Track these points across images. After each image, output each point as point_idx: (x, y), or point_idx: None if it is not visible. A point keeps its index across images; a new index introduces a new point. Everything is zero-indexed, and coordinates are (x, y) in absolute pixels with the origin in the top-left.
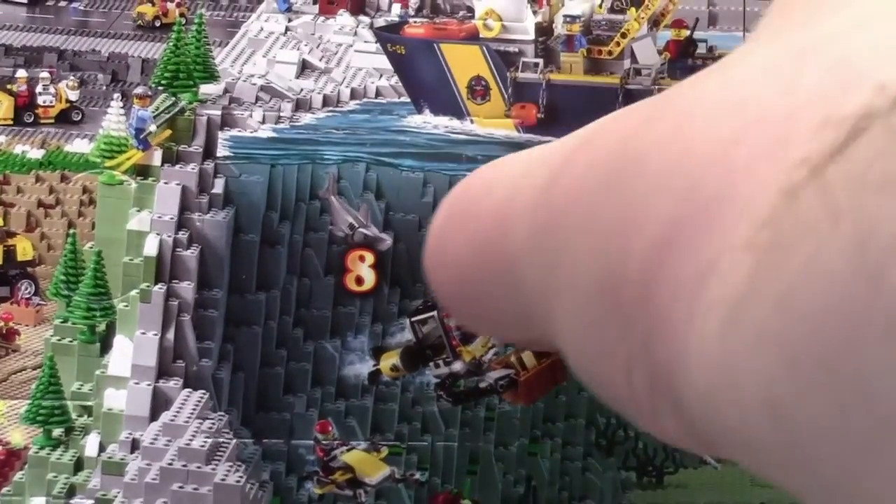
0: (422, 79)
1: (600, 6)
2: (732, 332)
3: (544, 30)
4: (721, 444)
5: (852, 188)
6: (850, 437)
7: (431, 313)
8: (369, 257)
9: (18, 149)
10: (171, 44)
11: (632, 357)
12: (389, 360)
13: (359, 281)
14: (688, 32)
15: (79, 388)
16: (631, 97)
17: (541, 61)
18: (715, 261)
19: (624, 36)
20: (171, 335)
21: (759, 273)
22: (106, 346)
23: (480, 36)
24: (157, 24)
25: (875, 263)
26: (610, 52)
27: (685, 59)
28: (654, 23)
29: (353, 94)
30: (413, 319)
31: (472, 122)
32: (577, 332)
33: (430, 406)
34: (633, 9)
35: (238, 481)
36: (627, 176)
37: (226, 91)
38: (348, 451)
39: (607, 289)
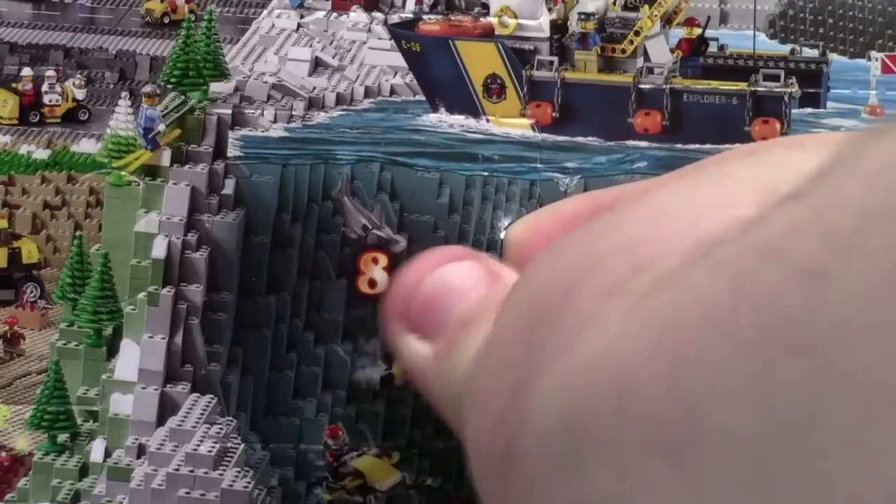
0: (437, 76)
1: (614, 4)
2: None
3: (559, 27)
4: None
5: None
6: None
7: None
8: (383, 259)
9: (24, 149)
10: (180, 41)
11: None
12: None
13: (371, 283)
14: (700, 30)
15: (84, 393)
16: (643, 96)
17: (555, 59)
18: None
19: (637, 34)
20: (179, 339)
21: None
22: (112, 351)
23: (496, 33)
24: (166, 20)
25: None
26: (623, 51)
27: (697, 57)
28: (667, 21)
29: (368, 93)
30: None
31: (488, 121)
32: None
33: None
34: (646, 6)
35: (246, 487)
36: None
37: (237, 89)
38: (358, 456)
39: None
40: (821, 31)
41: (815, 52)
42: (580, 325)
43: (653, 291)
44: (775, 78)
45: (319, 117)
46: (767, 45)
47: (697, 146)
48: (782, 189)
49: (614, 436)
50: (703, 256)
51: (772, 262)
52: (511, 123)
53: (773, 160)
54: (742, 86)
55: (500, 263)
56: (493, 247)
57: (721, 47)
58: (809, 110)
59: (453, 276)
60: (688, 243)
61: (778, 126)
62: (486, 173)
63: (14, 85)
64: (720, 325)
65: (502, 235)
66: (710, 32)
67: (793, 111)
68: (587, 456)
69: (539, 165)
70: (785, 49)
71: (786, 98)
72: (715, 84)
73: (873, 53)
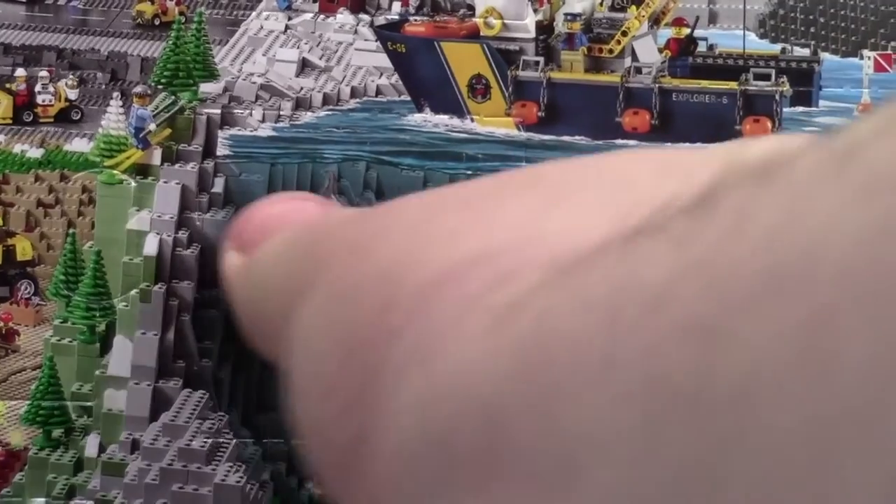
0: (422, 77)
1: (601, 4)
2: (494, 336)
3: (545, 28)
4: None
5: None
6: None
7: None
8: None
9: (17, 148)
10: (170, 42)
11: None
12: None
13: None
14: (688, 30)
15: (78, 389)
16: (631, 95)
17: (541, 60)
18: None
19: (625, 34)
20: (171, 335)
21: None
22: (106, 347)
23: (481, 34)
24: (157, 22)
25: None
26: (611, 51)
27: (685, 57)
28: (655, 21)
29: (354, 93)
30: None
31: (472, 120)
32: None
33: None
34: (633, 7)
35: (238, 482)
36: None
37: (226, 90)
38: None
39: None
40: (812, 30)
41: (806, 51)
42: (439, 334)
43: (511, 312)
44: (766, 77)
45: (307, 117)
46: (757, 45)
47: (688, 144)
48: (658, 214)
49: (485, 463)
50: (568, 282)
51: (655, 310)
52: (495, 123)
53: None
54: (732, 85)
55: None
56: None
57: (710, 47)
58: (801, 109)
59: (291, 208)
60: (551, 259)
61: (769, 124)
62: (469, 172)
63: (8, 85)
64: (596, 369)
65: None
66: (699, 32)
67: (784, 110)
68: (456, 480)
69: (524, 164)
70: (776, 48)
71: (777, 97)
72: (704, 83)
73: (866, 52)
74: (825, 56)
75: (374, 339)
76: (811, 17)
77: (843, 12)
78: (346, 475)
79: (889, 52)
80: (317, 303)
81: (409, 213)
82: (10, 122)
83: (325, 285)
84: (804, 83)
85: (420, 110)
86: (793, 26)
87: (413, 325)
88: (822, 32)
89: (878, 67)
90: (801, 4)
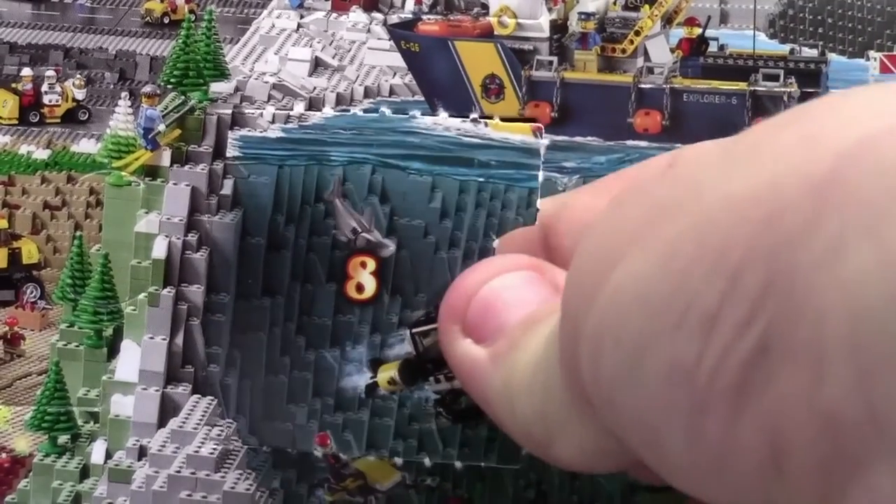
0: (436, 77)
1: (614, 3)
2: None
3: (559, 27)
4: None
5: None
6: None
7: (433, 325)
8: (371, 263)
9: (24, 149)
10: (180, 41)
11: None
12: (387, 373)
13: (359, 288)
14: (700, 30)
15: (85, 394)
16: (643, 96)
17: (555, 59)
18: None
19: (637, 34)
20: (179, 340)
21: None
22: (113, 351)
23: (495, 33)
24: (166, 20)
25: None
26: (623, 50)
27: (697, 56)
28: (668, 20)
29: (367, 93)
30: (414, 331)
31: (486, 125)
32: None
33: (429, 423)
34: (646, 6)
35: (248, 489)
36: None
37: (237, 89)
38: (360, 457)
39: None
40: (820, 30)
41: (814, 52)
42: (880, 206)
43: None
44: (775, 77)
45: (315, 118)
46: (767, 45)
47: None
48: None
49: None
50: None
51: None
52: (511, 128)
53: None
54: (742, 86)
55: (560, 272)
56: (486, 254)
57: (721, 47)
58: None
59: (509, 288)
60: None
61: None
62: (481, 179)
63: (14, 85)
64: None
65: (495, 244)
66: (710, 32)
67: None
68: None
69: (538, 174)
70: (784, 49)
71: (785, 98)
72: (715, 84)
73: (872, 53)
74: (832, 57)
75: (765, 252)
76: (819, 17)
77: (850, 13)
78: (742, 400)
79: (895, 53)
80: (634, 273)
81: (705, 157)
82: (16, 122)
83: (641, 255)
84: (812, 84)
85: (434, 111)
86: (801, 27)
87: (829, 213)
88: (830, 33)
89: (884, 69)
90: (810, 5)
